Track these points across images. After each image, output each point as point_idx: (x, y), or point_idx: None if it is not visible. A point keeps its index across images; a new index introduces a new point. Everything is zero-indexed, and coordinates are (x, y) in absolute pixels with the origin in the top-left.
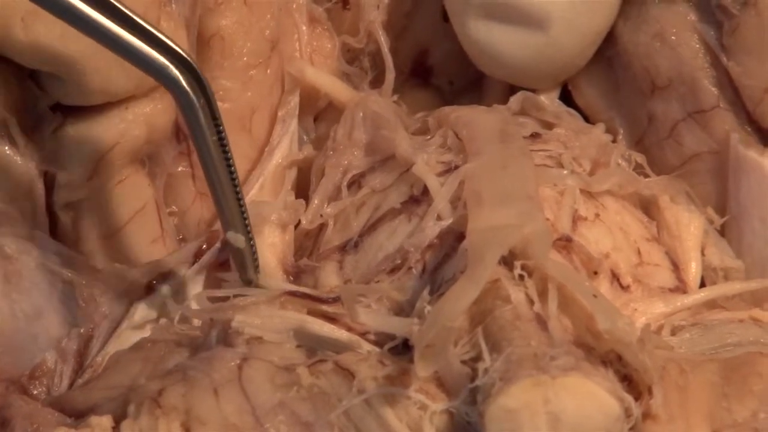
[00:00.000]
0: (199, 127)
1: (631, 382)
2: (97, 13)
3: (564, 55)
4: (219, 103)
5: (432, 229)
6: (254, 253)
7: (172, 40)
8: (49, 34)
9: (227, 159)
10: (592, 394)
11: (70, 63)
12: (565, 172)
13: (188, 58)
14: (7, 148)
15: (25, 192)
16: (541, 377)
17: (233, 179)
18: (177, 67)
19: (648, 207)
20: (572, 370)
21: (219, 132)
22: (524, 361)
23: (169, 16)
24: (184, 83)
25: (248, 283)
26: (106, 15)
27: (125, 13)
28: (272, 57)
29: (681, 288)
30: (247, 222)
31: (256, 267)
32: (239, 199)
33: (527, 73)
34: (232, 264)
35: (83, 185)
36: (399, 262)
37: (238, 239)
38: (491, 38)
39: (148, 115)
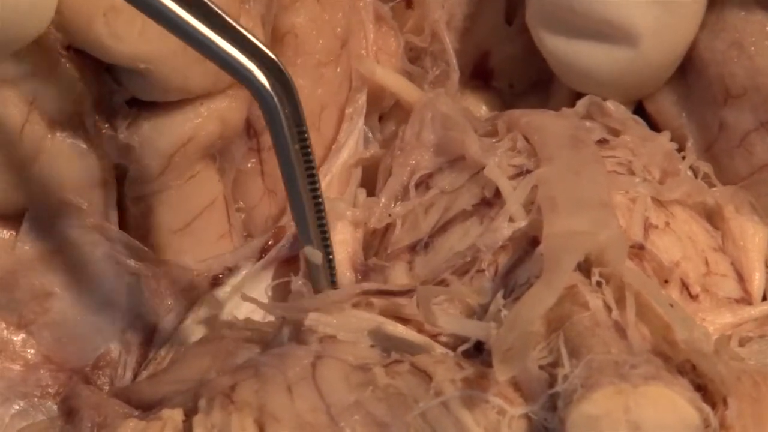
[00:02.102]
0: (282, 135)
1: (706, 393)
2: (184, 10)
3: (652, 68)
4: None
5: (504, 230)
6: (332, 269)
7: (261, 42)
8: (130, 30)
9: (311, 169)
10: (673, 404)
11: (150, 60)
12: (637, 179)
13: (277, 61)
14: (80, 140)
15: (96, 184)
16: (622, 385)
17: (315, 190)
18: (263, 72)
19: (712, 217)
20: (653, 379)
21: (303, 140)
22: (605, 368)
23: (248, 13)
24: (269, 89)
25: None
26: (192, 13)
27: (215, 11)
28: (342, 55)
29: (746, 299)
30: (326, 236)
31: (333, 283)
32: (320, 212)
33: (615, 87)
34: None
35: (155, 179)
36: (469, 260)
37: (314, 255)
38: (578, 55)
39: (223, 111)
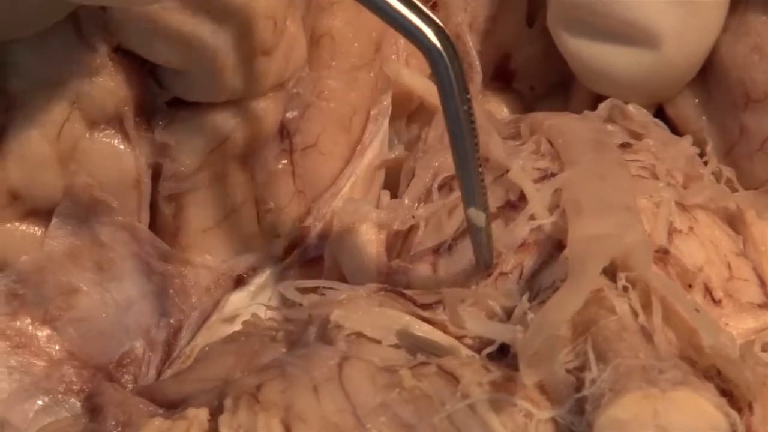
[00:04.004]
0: (452, 94)
1: (731, 398)
2: None
3: (674, 71)
4: (324, 103)
5: (523, 229)
6: (490, 236)
7: (427, 9)
8: (181, 30)
9: (474, 132)
10: (701, 409)
11: (200, 60)
12: (661, 183)
13: (444, 29)
14: (118, 141)
15: (131, 184)
16: (650, 390)
17: (477, 153)
18: (436, 35)
19: (733, 221)
20: (681, 384)
21: (468, 103)
22: (633, 373)
23: (294, 17)
24: (442, 50)
25: (485, 266)
26: None
27: None
28: (376, 59)
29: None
30: (486, 201)
31: (491, 251)
32: (481, 177)
33: (636, 90)
34: (325, 263)
35: (189, 178)
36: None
37: (479, 217)
38: (599, 57)
39: (260, 113)
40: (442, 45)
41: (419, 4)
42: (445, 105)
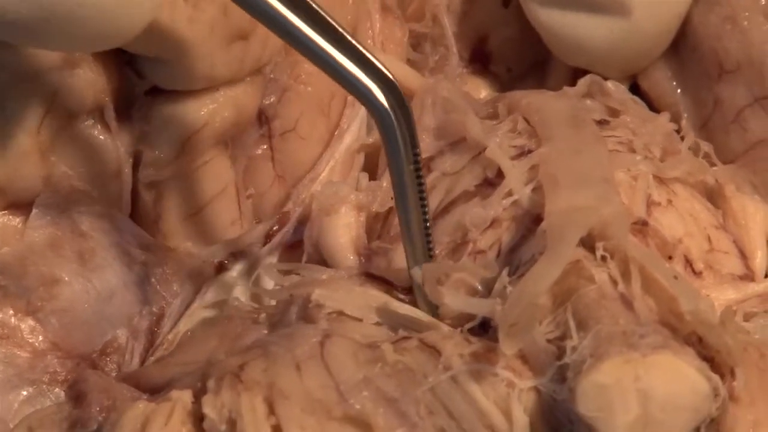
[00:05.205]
0: (398, 154)
1: (713, 365)
2: (306, 25)
3: (646, 40)
4: (302, 87)
5: (494, 208)
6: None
7: (380, 61)
8: (160, 19)
9: (422, 191)
10: (682, 373)
11: (179, 49)
12: (638, 157)
13: (394, 81)
14: (98, 131)
15: (111, 174)
16: (631, 354)
17: (425, 213)
18: (382, 91)
19: (712, 195)
20: (662, 348)
21: (416, 161)
22: (614, 338)
23: None
24: (388, 108)
25: None
26: (314, 28)
27: (335, 28)
28: None
29: (749, 276)
30: (432, 256)
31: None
32: (428, 235)
33: (608, 60)
34: (305, 247)
35: (169, 164)
36: (459, 241)
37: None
38: (571, 27)
39: (238, 98)
40: (389, 103)
41: (369, 56)
42: (391, 163)
